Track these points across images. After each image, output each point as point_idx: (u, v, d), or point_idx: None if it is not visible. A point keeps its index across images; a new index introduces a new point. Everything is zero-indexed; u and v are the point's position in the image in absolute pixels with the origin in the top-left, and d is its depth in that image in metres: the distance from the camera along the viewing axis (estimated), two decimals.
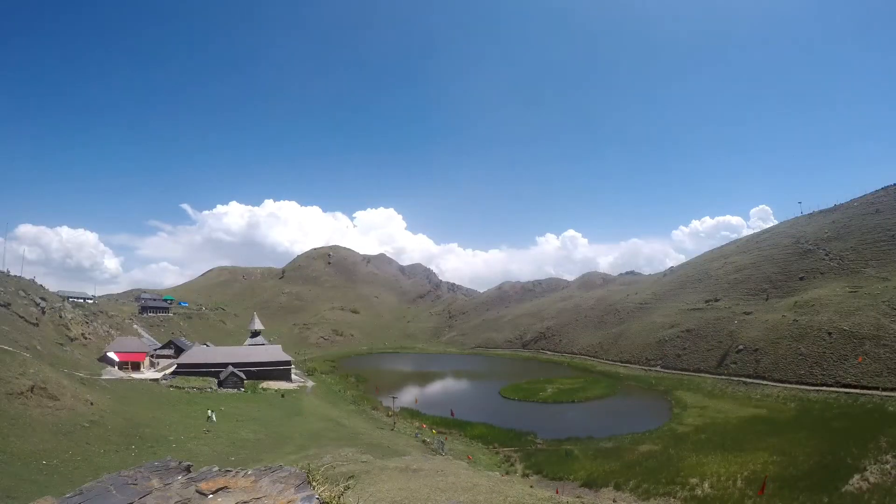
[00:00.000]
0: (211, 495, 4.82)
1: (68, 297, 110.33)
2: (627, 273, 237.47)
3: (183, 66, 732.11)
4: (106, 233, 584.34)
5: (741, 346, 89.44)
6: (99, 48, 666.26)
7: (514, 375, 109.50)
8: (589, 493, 40.35)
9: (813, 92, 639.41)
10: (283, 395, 76.67)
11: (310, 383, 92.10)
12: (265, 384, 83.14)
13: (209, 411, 57.68)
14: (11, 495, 24.30)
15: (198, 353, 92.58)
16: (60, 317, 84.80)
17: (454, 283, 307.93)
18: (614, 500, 38.25)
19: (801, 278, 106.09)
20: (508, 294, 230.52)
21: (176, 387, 73.32)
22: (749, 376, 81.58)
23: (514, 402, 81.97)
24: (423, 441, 57.75)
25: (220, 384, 78.98)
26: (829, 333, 77.25)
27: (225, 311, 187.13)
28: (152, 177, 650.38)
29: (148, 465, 5.58)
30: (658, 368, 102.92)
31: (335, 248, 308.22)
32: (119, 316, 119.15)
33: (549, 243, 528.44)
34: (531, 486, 35.23)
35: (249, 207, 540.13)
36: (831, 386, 68.49)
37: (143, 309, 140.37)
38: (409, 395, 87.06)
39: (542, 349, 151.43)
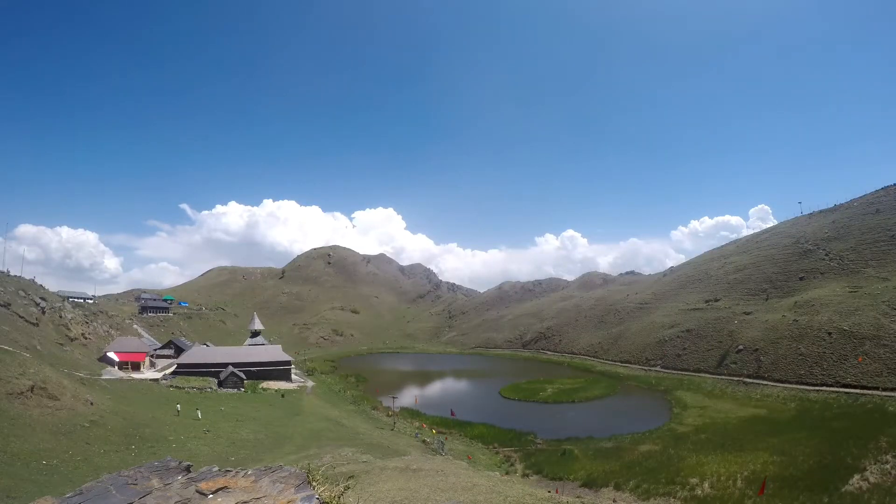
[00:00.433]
0: (211, 495, 4.82)
1: (68, 297, 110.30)
2: (627, 273, 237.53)
3: (182, 67, 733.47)
4: (105, 233, 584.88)
5: (741, 346, 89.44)
6: (99, 48, 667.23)
7: (514, 375, 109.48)
8: (589, 493, 40.34)
9: (813, 92, 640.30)
10: (283, 395, 76.67)
11: (310, 383, 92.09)
12: (265, 384, 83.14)
13: (177, 405, 58.62)
14: (11, 495, 24.29)
15: (198, 353, 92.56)
16: (60, 317, 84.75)
17: (454, 283, 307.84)
18: (614, 500, 38.24)
19: (801, 278, 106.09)
20: (508, 294, 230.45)
21: (176, 387, 73.34)
22: (749, 376, 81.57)
23: (514, 402, 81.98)
24: (423, 441, 57.75)
25: (220, 384, 79.00)
26: (829, 333, 77.25)
27: (225, 311, 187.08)
28: (151, 177, 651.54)
29: (148, 465, 5.59)
30: (658, 368, 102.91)
31: (335, 248, 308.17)
32: (119, 316, 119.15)
33: (549, 243, 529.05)
34: (531, 486, 35.24)
35: (249, 207, 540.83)
36: (831, 386, 68.48)
37: (143, 309, 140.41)
38: (409, 395, 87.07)
39: (542, 349, 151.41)
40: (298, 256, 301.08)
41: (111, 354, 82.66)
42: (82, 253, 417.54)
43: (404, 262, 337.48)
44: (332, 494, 5.45)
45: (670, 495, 38.29)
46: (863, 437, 44.17)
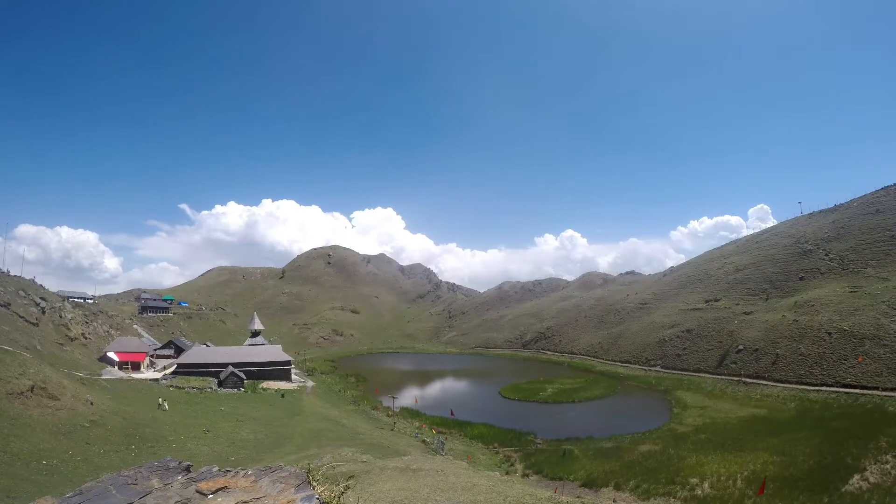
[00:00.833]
0: (211, 495, 4.83)
1: (68, 297, 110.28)
2: (627, 273, 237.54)
3: (182, 67, 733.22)
4: (105, 233, 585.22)
5: (741, 346, 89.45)
6: (99, 48, 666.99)
7: (514, 375, 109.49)
8: (589, 493, 40.33)
9: (813, 92, 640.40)
10: (283, 395, 76.67)
11: (310, 383, 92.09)
12: (265, 384, 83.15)
13: (160, 399, 59.21)
14: (11, 495, 24.29)
15: (198, 353, 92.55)
16: (60, 317, 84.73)
17: (454, 283, 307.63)
18: (614, 500, 38.23)
19: (801, 278, 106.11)
20: (508, 294, 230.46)
21: (176, 387, 73.32)
22: (749, 376, 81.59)
23: (514, 402, 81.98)
24: (423, 441, 57.76)
25: (220, 384, 79.00)
26: (829, 333, 77.27)
27: (225, 311, 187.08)
28: (151, 177, 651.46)
29: (148, 465, 5.59)
30: (658, 368, 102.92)
31: (335, 248, 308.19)
32: (119, 316, 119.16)
33: (548, 244, 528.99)
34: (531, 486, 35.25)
35: (248, 207, 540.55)
36: (831, 386, 68.51)
37: (143, 309, 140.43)
38: (409, 395, 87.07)
39: (542, 349, 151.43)
40: (298, 256, 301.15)
41: (111, 354, 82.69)
42: (82, 253, 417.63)
43: (404, 262, 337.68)
44: (332, 494, 5.46)
45: (670, 495, 38.29)
46: (863, 437, 44.19)
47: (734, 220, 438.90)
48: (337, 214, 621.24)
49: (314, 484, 5.34)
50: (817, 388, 69.48)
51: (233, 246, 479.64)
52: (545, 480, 43.99)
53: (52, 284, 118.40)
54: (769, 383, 76.62)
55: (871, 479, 36.07)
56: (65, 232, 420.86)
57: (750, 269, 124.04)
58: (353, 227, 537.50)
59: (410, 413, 73.55)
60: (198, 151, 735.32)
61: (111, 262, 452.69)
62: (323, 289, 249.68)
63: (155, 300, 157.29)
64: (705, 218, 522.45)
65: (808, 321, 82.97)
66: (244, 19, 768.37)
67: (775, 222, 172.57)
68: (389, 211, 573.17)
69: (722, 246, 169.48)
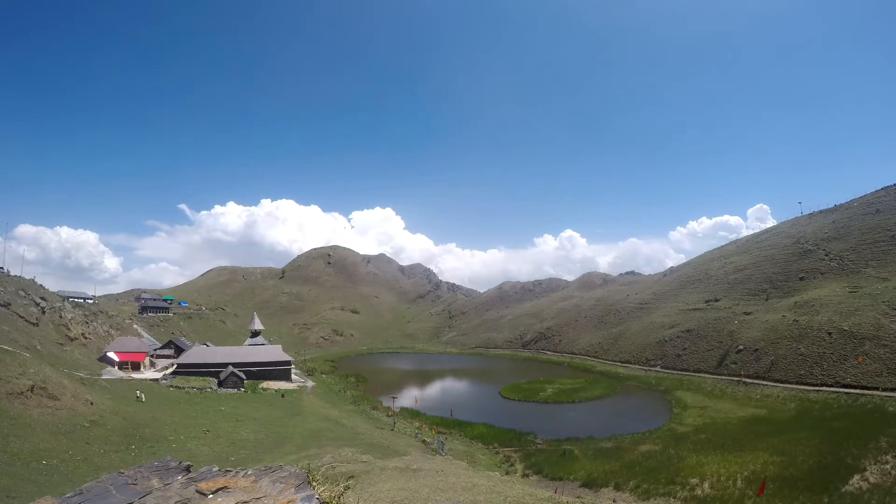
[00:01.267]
0: (211, 495, 4.82)
1: (68, 297, 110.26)
2: (627, 273, 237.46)
3: (182, 67, 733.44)
4: (105, 233, 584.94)
5: (741, 347, 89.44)
6: (99, 48, 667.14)
7: (514, 375, 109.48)
8: (589, 493, 40.31)
9: (813, 92, 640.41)
10: (283, 395, 76.67)
11: (310, 383, 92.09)
12: (265, 384, 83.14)
13: (138, 392, 60.28)
14: (11, 495, 24.28)
15: (198, 353, 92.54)
16: (60, 317, 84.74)
17: (454, 283, 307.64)
18: (614, 500, 38.21)
19: (801, 278, 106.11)
20: (508, 294, 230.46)
21: (176, 387, 73.33)
22: (749, 376, 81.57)
23: (514, 402, 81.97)
24: (423, 441, 57.75)
25: (220, 384, 79.00)
26: (829, 333, 77.25)
27: (225, 311, 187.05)
28: (151, 177, 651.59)
29: (148, 465, 5.59)
30: (658, 368, 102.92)
31: (335, 248, 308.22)
32: (119, 316, 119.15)
33: (548, 244, 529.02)
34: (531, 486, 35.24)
35: (248, 208, 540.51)
36: (831, 386, 68.48)
37: (143, 309, 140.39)
38: (409, 395, 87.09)
39: (542, 349, 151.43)
40: (298, 256, 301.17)
41: (111, 354, 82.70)
42: (82, 253, 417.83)
43: (404, 262, 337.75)
44: (332, 494, 5.46)
45: (670, 495, 38.28)
46: (863, 437, 44.15)
47: (734, 220, 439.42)
48: (336, 214, 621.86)
49: (314, 484, 5.34)
50: (817, 388, 69.45)
51: (232, 246, 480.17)
52: (545, 480, 43.98)
53: (52, 284, 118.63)
54: (769, 383, 76.60)
55: (871, 480, 36.05)
56: (65, 232, 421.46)
57: (750, 269, 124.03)
58: (352, 227, 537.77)
59: (410, 413, 73.54)
60: (197, 151, 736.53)
61: (111, 262, 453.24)
62: (323, 289, 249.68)
63: (155, 300, 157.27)
64: (704, 218, 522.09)
65: (808, 321, 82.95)
66: (244, 19, 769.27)
67: (775, 222, 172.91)
68: (389, 211, 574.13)
69: (722, 246, 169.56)
